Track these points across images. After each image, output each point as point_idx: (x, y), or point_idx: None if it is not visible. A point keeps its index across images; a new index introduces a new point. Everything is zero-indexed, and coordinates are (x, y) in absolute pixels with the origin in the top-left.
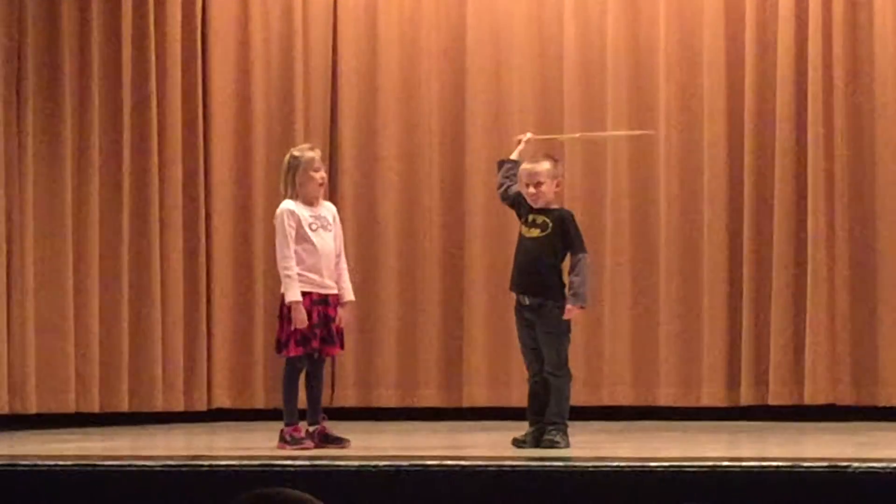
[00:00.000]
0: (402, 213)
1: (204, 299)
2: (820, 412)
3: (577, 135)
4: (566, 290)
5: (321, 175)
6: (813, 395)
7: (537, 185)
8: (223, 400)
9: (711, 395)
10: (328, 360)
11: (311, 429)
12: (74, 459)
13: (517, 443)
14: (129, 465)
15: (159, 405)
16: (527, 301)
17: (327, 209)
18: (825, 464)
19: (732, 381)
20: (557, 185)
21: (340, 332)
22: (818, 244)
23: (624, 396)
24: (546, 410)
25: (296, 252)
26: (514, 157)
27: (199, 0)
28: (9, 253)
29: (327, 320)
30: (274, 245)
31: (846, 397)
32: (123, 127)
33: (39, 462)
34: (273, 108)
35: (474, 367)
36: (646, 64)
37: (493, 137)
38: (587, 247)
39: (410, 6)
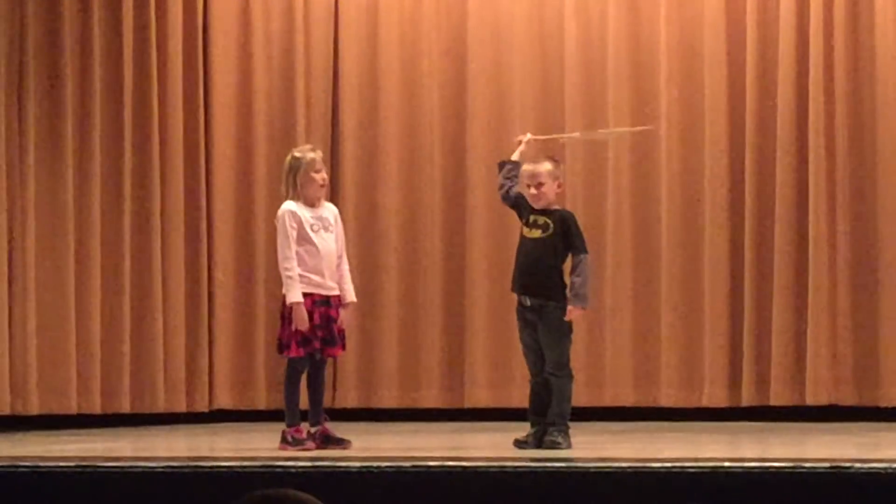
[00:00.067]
0: (404, 214)
1: (205, 300)
2: (821, 413)
3: (577, 134)
4: (567, 290)
5: (322, 176)
6: (814, 395)
7: (538, 185)
8: (225, 401)
9: (713, 395)
10: (330, 361)
11: (312, 430)
12: (76, 461)
13: (519, 443)
14: (131, 467)
15: (161, 406)
16: (528, 302)
17: (329, 210)
18: (827, 464)
19: (734, 382)
20: (559, 186)
21: (342, 333)
22: (819, 244)
23: (625, 397)
24: (548, 411)
25: (297, 253)
26: (514, 158)
27: (201, 0)
28: (10, 253)
29: (329, 321)
30: (275, 246)
31: (848, 398)
32: (125, 127)
33: (41, 463)
34: (274, 108)
35: (476, 367)
36: (647, 64)
37: (494, 138)
38: (588, 247)
39: (411, 6)
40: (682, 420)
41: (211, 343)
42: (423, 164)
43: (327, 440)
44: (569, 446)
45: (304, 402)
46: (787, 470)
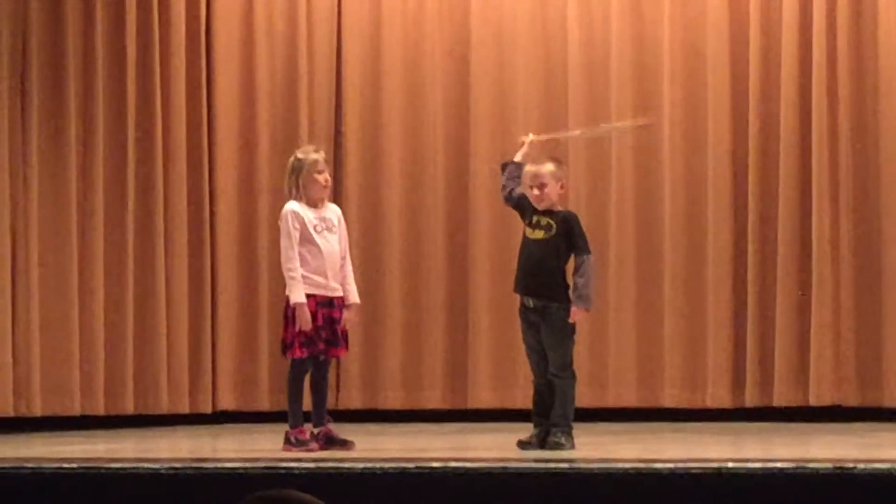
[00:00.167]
0: (407, 215)
1: (209, 301)
2: (825, 413)
3: (578, 131)
4: (570, 292)
5: (325, 177)
6: (818, 396)
7: (541, 186)
8: (228, 402)
9: (716, 396)
10: (333, 363)
11: (316, 431)
12: (79, 462)
13: (522, 444)
14: (134, 468)
15: (164, 408)
16: (531, 303)
17: (332, 211)
18: (830, 465)
19: (737, 383)
20: (561, 187)
21: (345, 334)
22: (822, 245)
23: (629, 398)
24: (551, 412)
25: (300, 254)
26: (517, 159)
27: (204, 1)
28: (13, 254)
29: (332, 322)
30: (279, 247)
31: (851, 398)
32: (128, 127)
33: (44, 465)
34: (277, 109)
35: (479, 368)
36: (650, 65)
37: (498, 139)
38: (591, 248)
39: (414, 7)
40: (686, 421)
41: (214, 344)
42: (426, 165)
43: (331, 441)
44: (572, 447)
45: (307, 403)
46: (790, 471)
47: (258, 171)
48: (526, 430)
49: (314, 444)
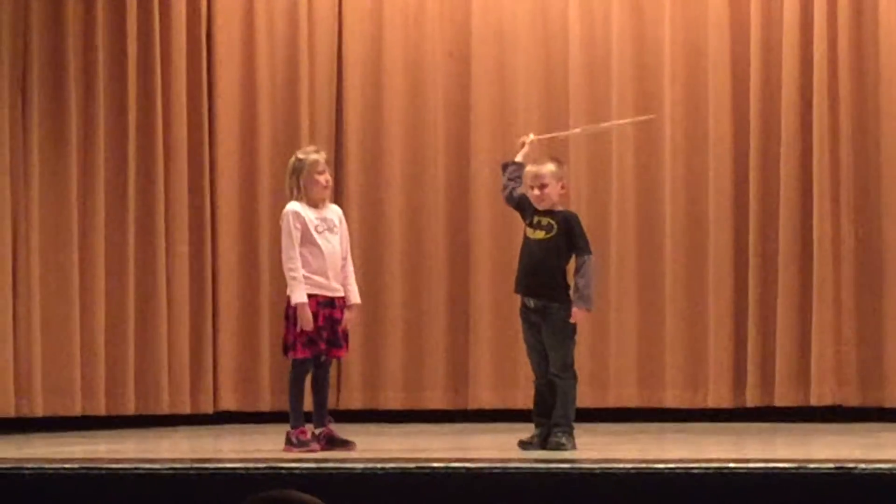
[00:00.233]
0: (408, 215)
1: (210, 302)
2: (826, 413)
3: (579, 129)
4: (571, 292)
5: (326, 178)
6: (819, 396)
7: (542, 186)
8: (229, 403)
9: (717, 396)
10: (334, 363)
11: (317, 431)
12: (80, 462)
13: (523, 445)
14: (135, 468)
15: (165, 408)
16: (532, 303)
17: (333, 212)
18: (831, 465)
19: (738, 383)
20: (562, 187)
21: (346, 335)
22: (824, 244)
23: (630, 398)
24: (552, 412)
25: (302, 255)
26: (518, 159)
27: (204, 2)
28: (14, 254)
29: (333, 323)
30: (280, 247)
31: (852, 398)
32: (128, 127)
33: (45, 465)
34: (278, 109)
35: (480, 369)
36: (651, 64)
37: (499, 139)
38: (592, 248)
39: (415, 7)
40: (687, 421)
41: (215, 344)
42: (427, 165)
43: (332, 442)
44: (573, 447)
45: (308, 403)
46: (791, 471)
47: (259, 171)
48: (527, 431)
49: (315, 445)
